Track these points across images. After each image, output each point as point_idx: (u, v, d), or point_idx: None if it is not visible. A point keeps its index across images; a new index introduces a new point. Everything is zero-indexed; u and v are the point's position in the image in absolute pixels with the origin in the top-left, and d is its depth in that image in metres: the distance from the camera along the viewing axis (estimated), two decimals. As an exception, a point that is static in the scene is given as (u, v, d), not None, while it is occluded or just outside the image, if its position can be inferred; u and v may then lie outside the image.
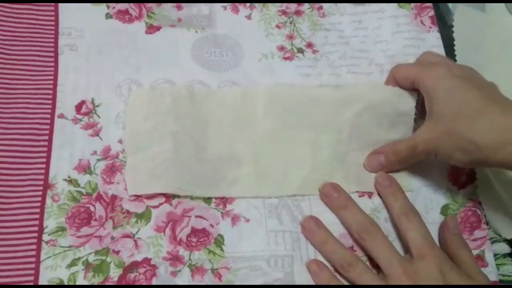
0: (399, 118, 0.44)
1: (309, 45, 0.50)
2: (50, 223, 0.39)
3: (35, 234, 0.39)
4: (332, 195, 0.43)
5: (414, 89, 0.43)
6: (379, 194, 0.44)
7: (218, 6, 0.50)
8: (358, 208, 0.42)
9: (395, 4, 0.52)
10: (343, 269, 0.40)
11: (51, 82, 0.44)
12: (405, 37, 0.51)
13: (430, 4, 0.52)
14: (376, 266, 0.40)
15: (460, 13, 0.52)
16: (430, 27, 0.51)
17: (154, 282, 0.39)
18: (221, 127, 0.44)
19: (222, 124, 0.44)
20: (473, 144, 0.37)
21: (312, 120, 0.45)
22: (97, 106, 0.44)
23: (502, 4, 0.54)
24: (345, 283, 0.40)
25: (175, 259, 0.40)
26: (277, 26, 0.50)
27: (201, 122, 0.44)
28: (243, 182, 0.43)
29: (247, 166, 0.43)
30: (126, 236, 0.40)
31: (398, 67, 0.44)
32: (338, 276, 0.40)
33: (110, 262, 0.39)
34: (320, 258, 0.41)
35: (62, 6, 0.48)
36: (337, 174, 0.44)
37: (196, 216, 0.41)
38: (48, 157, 0.41)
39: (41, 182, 0.41)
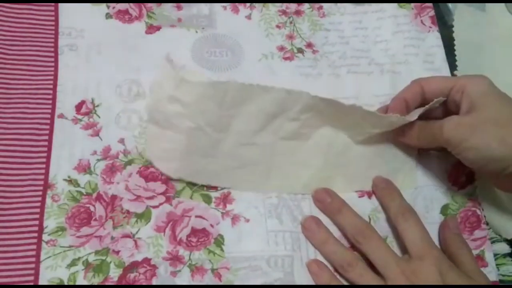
0: None
1: (309, 45, 0.50)
2: (50, 223, 0.40)
3: (35, 234, 0.39)
4: (326, 200, 0.42)
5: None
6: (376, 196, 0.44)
7: (218, 6, 0.50)
8: (352, 211, 0.42)
9: (395, 4, 0.52)
10: (343, 269, 0.40)
11: (51, 82, 0.44)
12: (405, 37, 0.51)
13: (430, 4, 0.52)
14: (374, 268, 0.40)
15: (460, 13, 0.52)
16: (430, 27, 0.51)
17: (154, 282, 0.39)
18: (243, 125, 0.42)
19: (246, 123, 0.42)
20: None
21: (327, 123, 0.44)
22: (97, 106, 0.44)
23: (502, 4, 0.54)
24: (345, 283, 0.40)
25: (175, 259, 0.40)
26: (277, 26, 0.50)
27: (224, 121, 0.42)
28: (248, 177, 0.43)
29: (258, 164, 0.43)
30: (126, 236, 0.40)
31: (429, 78, 0.43)
32: (338, 276, 0.40)
33: (110, 262, 0.39)
34: (321, 258, 0.41)
35: (62, 6, 0.48)
36: (341, 174, 0.44)
37: (196, 216, 0.41)
38: (48, 157, 0.42)
39: (41, 182, 0.41)
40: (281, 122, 0.42)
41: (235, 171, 0.43)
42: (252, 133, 0.42)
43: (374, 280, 0.39)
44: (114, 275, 0.39)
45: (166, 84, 0.41)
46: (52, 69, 0.45)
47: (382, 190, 0.43)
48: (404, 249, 0.41)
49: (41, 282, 0.38)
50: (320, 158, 0.44)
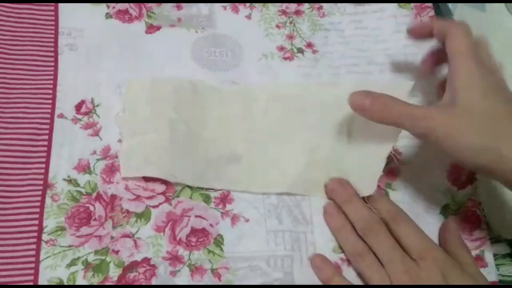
0: None
1: (309, 45, 0.50)
2: (49, 223, 0.40)
3: (35, 234, 0.39)
4: (337, 189, 0.43)
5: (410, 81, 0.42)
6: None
7: (218, 6, 0.50)
8: (362, 204, 0.42)
9: (395, 4, 0.52)
10: (353, 258, 0.40)
11: (51, 82, 0.44)
12: (405, 37, 0.50)
13: (430, 4, 0.52)
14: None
15: (460, 13, 0.52)
16: (430, 27, 0.51)
17: (154, 282, 0.39)
18: (219, 122, 0.44)
19: (221, 119, 0.45)
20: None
21: (311, 120, 0.45)
22: (97, 106, 0.44)
23: (502, 4, 0.54)
24: (350, 276, 0.40)
25: (174, 259, 0.40)
26: (277, 26, 0.50)
27: (200, 115, 0.44)
28: (235, 176, 0.43)
29: (241, 161, 0.43)
30: (126, 235, 0.40)
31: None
32: (343, 270, 0.41)
33: (110, 261, 0.39)
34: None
35: (62, 6, 0.48)
36: (334, 176, 0.44)
37: (196, 216, 0.41)
38: (48, 157, 0.42)
39: (41, 182, 0.41)
40: (250, 115, 0.44)
41: (219, 171, 0.43)
42: (227, 131, 0.44)
43: (379, 275, 0.39)
44: (113, 274, 0.39)
45: (139, 91, 0.44)
46: (52, 69, 0.45)
47: (368, 196, 0.42)
48: (404, 249, 0.41)
49: (41, 282, 0.38)
50: (304, 158, 0.44)
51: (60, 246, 0.39)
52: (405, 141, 0.45)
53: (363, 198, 0.42)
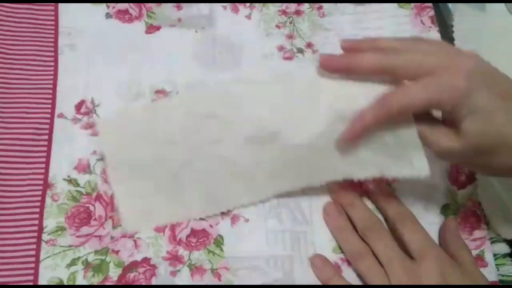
0: None
1: (309, 45, 0.50)
2: (49, 223, 0.40)
3: (35, 234, 0.39)
4: (340, 192, 0.43)
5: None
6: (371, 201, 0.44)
7: (218, 6, 0.50)
8: (363, 206, 0.42)
9: (395, 4, 0.52)
10: (353, 259, 0.40)
11: (51, 82, 0.44)
12: (405, 36, 0.51)
13: (430, 4, 0.52)
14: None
15: (460, 13, 0.52)
16: (430, 27, 0.51)
17: (154, 282, 0.39)
18: (188, 139, 0.41)
19: (188, 135, 0.41)
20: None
21: (288, 111, 0.41)
22: (97, 105, 0.44)
23: (502, 4, 0.54)
24: (350, 277, 0.40)
25: (174, 259, 0.40)
26: (277, 26, 0.50)
27: (167, 139, 0.41)
28: (239, 193, 0.42)
29: (238, 176, 0.41)
30: (126, 236, 0.40)
31: (391, 99, 0.36)
32: (343, 270, 0.41)
33: (110, 261, 0.39)
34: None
35: (62, 6, 0.48)
36: (326, 163, 0.40)
37: (196, 216, 0.41)
38: (48, 157, 0.42)
39: (41, 182, 0.41)
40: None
41: (222, 192, 0.41)
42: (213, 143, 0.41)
43: (380, 276, 0.39)
44: (113, 274, 0.39)
45: (109, 134, 0.41)
46: (52, 69, 0.45)
47: (376, 195, 0.43)
48: (405, 251, 0.41)
49: (41, 281, 0.38)
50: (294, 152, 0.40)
51: (60, 246, 0.39)
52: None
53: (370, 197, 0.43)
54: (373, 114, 0.36)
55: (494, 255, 0.43)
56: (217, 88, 0.43)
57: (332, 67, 0.38)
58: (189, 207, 0.41)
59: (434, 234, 0.42)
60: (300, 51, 0.49)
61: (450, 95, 0.34)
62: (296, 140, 0.40)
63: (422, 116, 0.37)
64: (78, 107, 0.44)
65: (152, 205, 0.41)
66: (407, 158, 0.38)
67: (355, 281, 0.40)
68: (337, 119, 0.38)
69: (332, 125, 0.38)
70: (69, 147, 0.42)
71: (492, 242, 0.43)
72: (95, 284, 0.38)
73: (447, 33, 0.51)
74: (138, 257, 0.39)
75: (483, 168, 0.38)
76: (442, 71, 0.35)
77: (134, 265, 0.39)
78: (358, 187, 0.43)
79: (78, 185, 0.41)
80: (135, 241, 0.40)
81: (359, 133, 0.37)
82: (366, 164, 0.39)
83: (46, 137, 0.42)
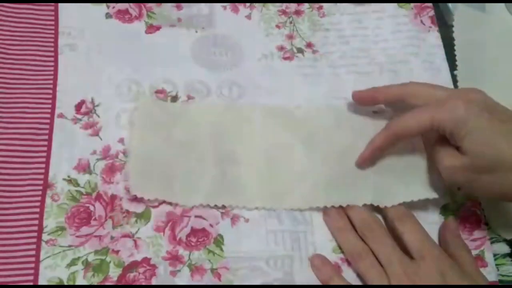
0: None
1: (309, 45, 0.50)
2: (49, 223, 0.40)
3: (35, 234, 0.39)
4: None
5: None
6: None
7: (218, 6, 0.50)
8: (363, 206, 0.42)
9: (395, 4, 0.52)
10: (353, 259, 0.40)
11: (51, 82, 0.44)
12: (405, 36, 0.51)
13: (430, 4, 0.52)
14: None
15: (460, 13, 0.52)
16: (430, 27, 0.51)
17: (154, 281, 0.39)
18: (220, 142, 0.44)
19: (222, 137, 0.44)
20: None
21: (309, 138, 0.44)
22: (97, 105, 0.44)
23: (502, 4, 0.54)
24: (350, 277, 0.40)
25: (174, 258, 0.40)
26: (277, 26, 0.50)
27: (198, 136, 0.44)
28: (246, 194, 0.42)
29: (250, 180, 0.43)
30: (126, 235, 0.40)
31: (398, 121, 0.41)
32: (343, 270, 0.40)
33: (110, 261, 0.39)
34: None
35: (62, 6, 0.48)
36: (334, 187, 0.43)
37: (196, 216, 0.41)
38: (48, 157, 0.42)
39: (41, 182, 0.41)
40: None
41: (230, 190, 0.42)
42: (229, 152, 0.43)
43: (379, 276, 0.39)
44: (113, 274, 0.39)
45: (145, 115, 0.44)
46: (52, 69, 0.45)
47: None
48: (405, 251, 0.41)
49: (41, 281, 0.38)
50: (307, 174, 0.43)
51: (60, 246, 0.39)
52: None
53: None
54: (381, 136, 0.42)
55: (494, 255, 0.43)
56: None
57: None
58: (200, 193, 0.41)
59: (434, 234, 0.42)
60: (300, 51, 0.49)
61: (450, 117, 0.38)
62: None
63: (435, 139, 0.40)
64: (78, 107, 0.44)
65: (165, 175, 0.41)
66: (418, 182, 0.43)
67: (355, 281, 0.40)
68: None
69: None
70: (69, 147, 0.42)
71: (492, 242, 0.43)
72: (95, 284, 0.38)
73: (447, 33, 0.51)
74: (138, 257, 0.39)
75: (487, 190, 0.39)
76: (446, 99, 0.39)
77: (134, 265, 0.39)
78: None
79: (78, 185, 0.41)
80: (135, 241, 0.40)
81: (371, 154, 0.42)
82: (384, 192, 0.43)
83: (46, 137, 0.42)
